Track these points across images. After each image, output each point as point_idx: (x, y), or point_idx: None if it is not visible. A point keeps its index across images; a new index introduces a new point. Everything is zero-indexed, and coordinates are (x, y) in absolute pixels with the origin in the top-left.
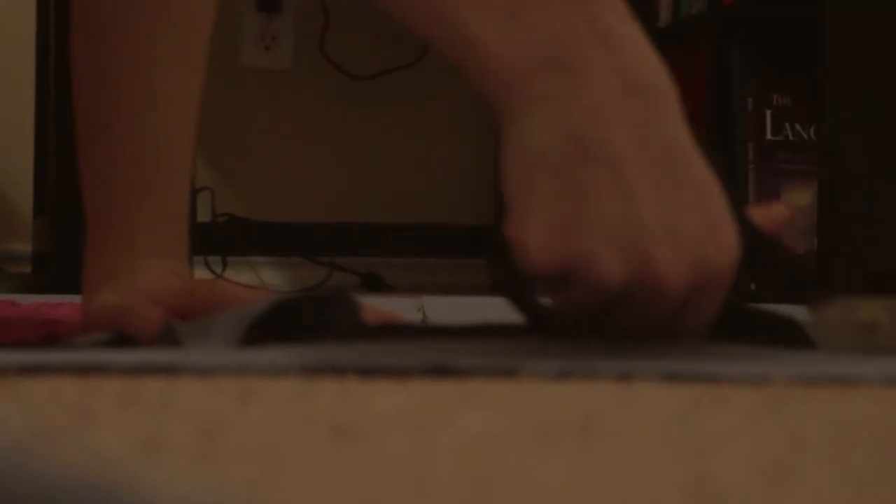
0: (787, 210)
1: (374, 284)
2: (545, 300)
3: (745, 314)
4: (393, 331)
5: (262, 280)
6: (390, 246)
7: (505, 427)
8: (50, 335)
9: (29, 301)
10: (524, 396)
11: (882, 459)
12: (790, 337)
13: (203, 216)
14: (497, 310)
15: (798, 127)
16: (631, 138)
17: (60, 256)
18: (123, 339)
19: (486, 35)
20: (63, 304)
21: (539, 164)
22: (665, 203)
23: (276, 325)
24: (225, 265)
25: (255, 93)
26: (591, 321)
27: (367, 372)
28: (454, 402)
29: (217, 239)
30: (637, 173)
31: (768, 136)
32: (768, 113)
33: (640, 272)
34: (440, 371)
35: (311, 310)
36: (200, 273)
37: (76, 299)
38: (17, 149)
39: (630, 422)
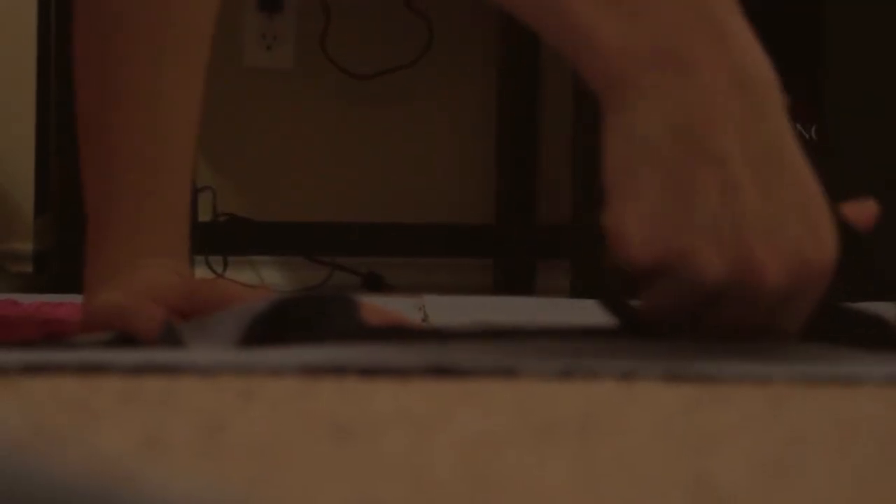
0: (876, 206)
1: (375, 284)
2: (635, 301)
3: (840, 313)
4: (393, 331)
5: (262, 280)
6: (391, 246)
7: (504, 425)
8: (51, 334)
9: (30, 300)
10: (524, 395)
11: (882, 457)
12: (883, 336)
13: (204, 216)
14: (496, 309)
15: (799, 127)
16: (737, 134)
17: (62, 256)
18: (125, 339)
19: (598, 25)
20: (64, 304)
21: (643, 155)
22: (767, 201)
23: (275, 324)
24: (226, 265)
25: (257, 92)
26: (686, 318)
27: (367, 371)
28: (454, 401)
29: (218, 238)
30: (742, 171)
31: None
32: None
33: (739, 270)
34: (440, 371)
35: (311, 309)
36: (201, 272)
37: (78, 299)
38: (18, 147)
39: (630, 420)
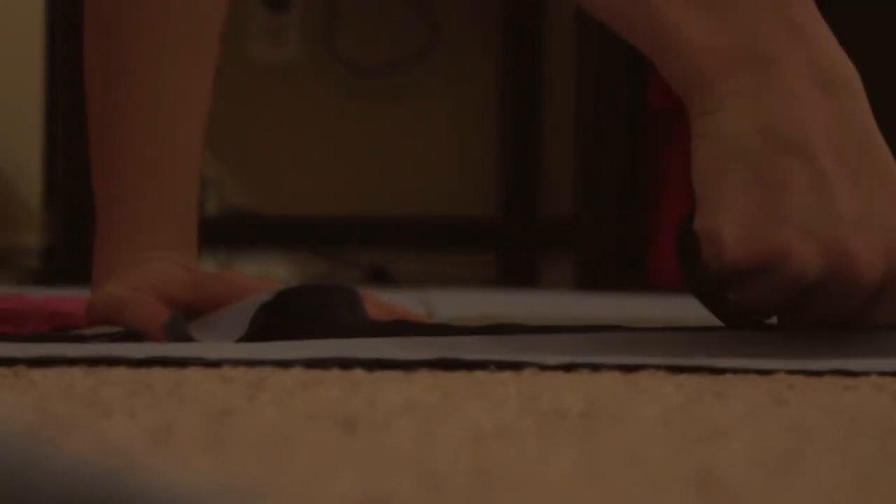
0: None
1: (379, 277)
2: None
3: None
4: (398, 326)
5: (267, 273)
6: (395, 239)
7: (509, 417)
8: (60, 328)
9: (38, 294)
10: (528, 388)
11: (885, 450)
12: None
13: (210, 209)
14: (501, 303)
15: None
16: (824, 130)
17: (70, 250)
18: (133, 333)
19: (681, 26)
20: (73, 298)
21: (733, 155)
22: (858, 195)
23: (280, 314)
24: (231, 258)
25: (262, 87)
26: (782, 313)
27: (373, 364)
28: (459, 393)
29: (223, 232)
30: (831, 165)
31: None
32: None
33: (833, 263)
34: (445, 364)
35: (315, 299)
36: (207, 266)
37: (86, 293)
38: (26, 143)
39: (634, 412)
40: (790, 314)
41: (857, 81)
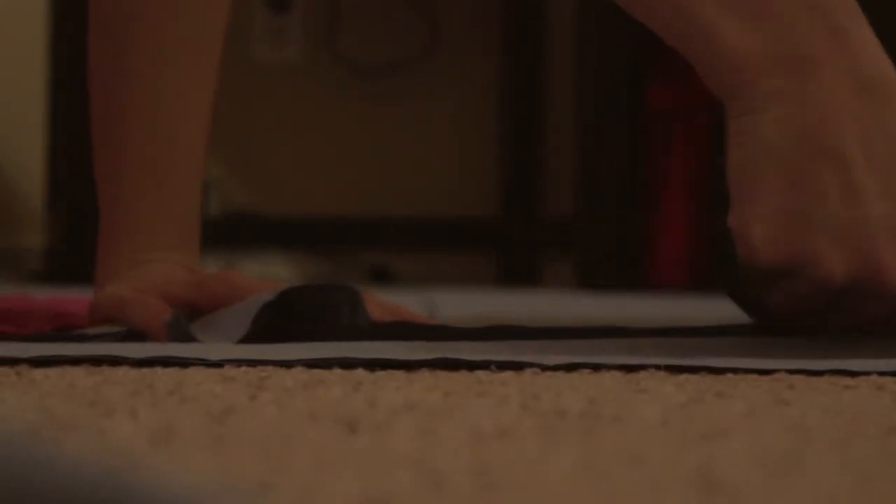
0: None
1: (380, 277)
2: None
3: None
4: (401, 327)
5: (269, 273)
6: (396, 239)
7: (511, 417)
8: (63, 328)
9: (41, 295)
10: (529, 388)
11: (885, 450)
12: None
13: (212, 210)
14: (501, 303)
15: None
16: (860, 137)
17: (72, 250)
18: (136, 333)
19: (725, 29)
20: (75, 298)
21: (767, 158)
22: (890, 203)
23: (282, 313)
24: (233, 258)
25: (264, 88)
26: (812, 315)
27: (375, 365)
28: (460, 393)
29: (225, 232)
30: (865, 172)
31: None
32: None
33: (862, 269)
34: (446, 365)
35: (316, 299)
36: (209, 266)
37: (89, 294)
38: (28, 143)
39: (634, 412)
40: (819, 317)
41: None
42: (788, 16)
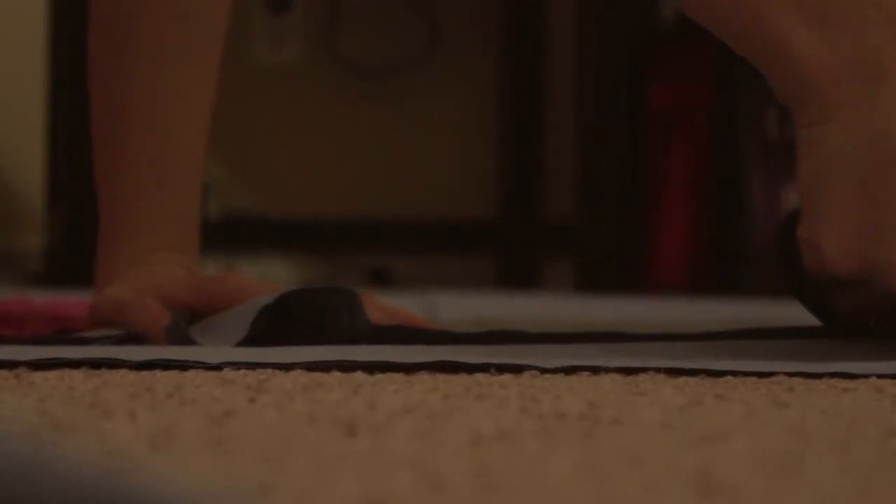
0: None
1: (380, 279)
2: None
3: None
4: (399, 332)
5: (268, 275)
6: (396, 240)
7: (510, 420)
8: (62, 331)
9: (40, 297)
10: (529, 390)
11: (884, 452)
12: None
13: (211, 211)
14: (501, 306)
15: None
16: None
17: (72, 252)
18: (135, 336)
19: (797, 38)
20: (74, 301)
21: (839, 168)
22: None
23: (281, 317)
24: (232, 260)
25: (264, 89)
26: (880, 322)
27: (374, 367)
28: (460, 396)
29: (224, 234)
30: None
31: (772, 136)
32: (772, 113)
33: None
34: (446, 367)
35: (316, 302)
36: (209, 268)
37: (88, 295)
38: (28, 144)
39: (633, 415)
40: (888, 323)
41: None
42: (860, 26)
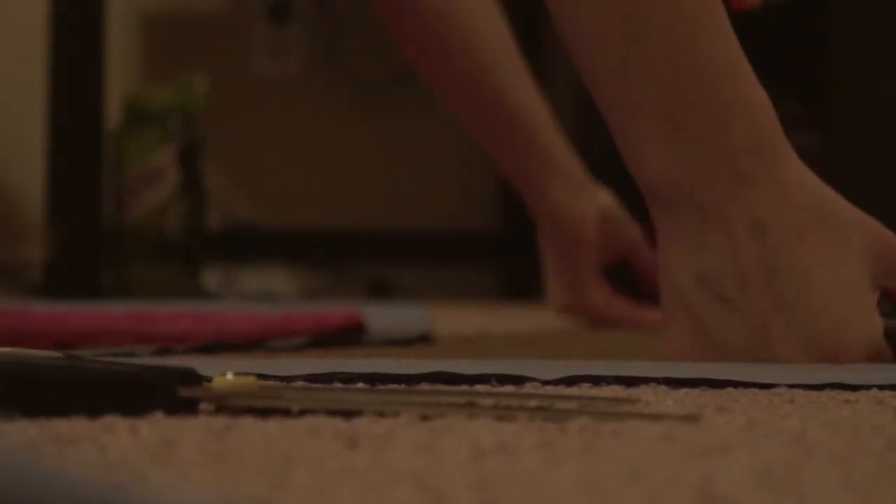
0: None
1: (381, 290)
2: None
3: None
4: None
5: (269, 286)
6: (397, 252)
7: (511, 432)
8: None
9: (41, 308)
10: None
11: (885, 464)
12: None
13: (212, 222)
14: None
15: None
16: (757, 277)
17: (72, 263)
18: (132, 353)
19: (650, 144)
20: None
21: (677, 299)
22: (793, 338)
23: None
24: (232, 271)
25: (265, 101)
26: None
27: (375, 379)
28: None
29: (225, 245)
30: (765, 312)
31: None
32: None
33: None
34: (446, 379)
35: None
36: (211, 278)
37: (88, 307)
38: (28, 155)
39: (634, 426)
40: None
41: (807, 218)
42: (699, 155)
